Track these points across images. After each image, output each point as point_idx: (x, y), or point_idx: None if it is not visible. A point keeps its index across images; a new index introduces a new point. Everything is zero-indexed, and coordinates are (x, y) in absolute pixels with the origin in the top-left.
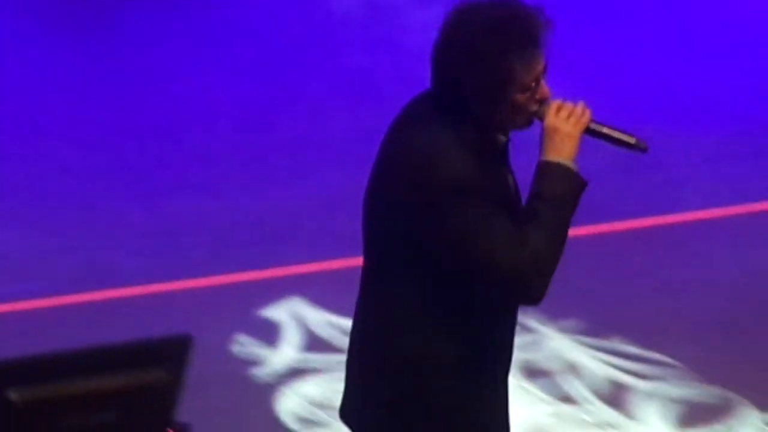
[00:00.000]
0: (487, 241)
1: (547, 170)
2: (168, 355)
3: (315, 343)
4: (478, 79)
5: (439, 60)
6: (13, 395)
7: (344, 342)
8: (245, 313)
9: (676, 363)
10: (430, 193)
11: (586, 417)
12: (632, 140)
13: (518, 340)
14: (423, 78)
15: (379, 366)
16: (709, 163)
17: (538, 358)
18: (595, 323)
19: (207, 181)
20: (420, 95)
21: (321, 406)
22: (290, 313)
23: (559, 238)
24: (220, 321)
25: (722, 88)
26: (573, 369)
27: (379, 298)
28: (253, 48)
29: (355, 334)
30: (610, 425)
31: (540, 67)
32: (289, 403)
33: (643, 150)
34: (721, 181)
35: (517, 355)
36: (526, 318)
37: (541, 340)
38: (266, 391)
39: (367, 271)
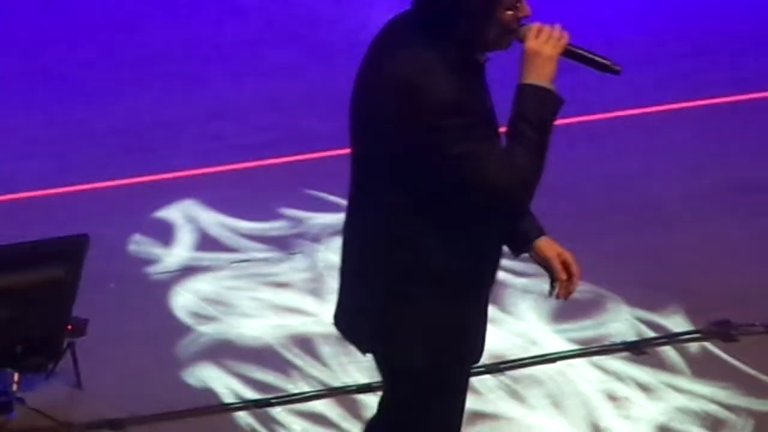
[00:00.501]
0: (479, 162)
1: (530, 93)
2: (65, 255)
3: (206, 242)
4: None
5: None
6: None
7: (234, 242)
8: (140, 214)
9: None
10: (420, 115)
11: None
12: (607, 62)
13: None
14: None
15: (375, 276)
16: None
17: None
18: None
19: (99, 90)
20: (401, 14)
21: (212, 301)
22: (183, 214)
23: (543, 156)
24: (117, 223)
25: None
26: None
27: (372, 213)
28: None
29: (349, 247)
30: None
31: None
32: (181, 300)
33: (617, 72)
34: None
35: None
36: None
37: None
38: (160, 287)
39: (359, 185)
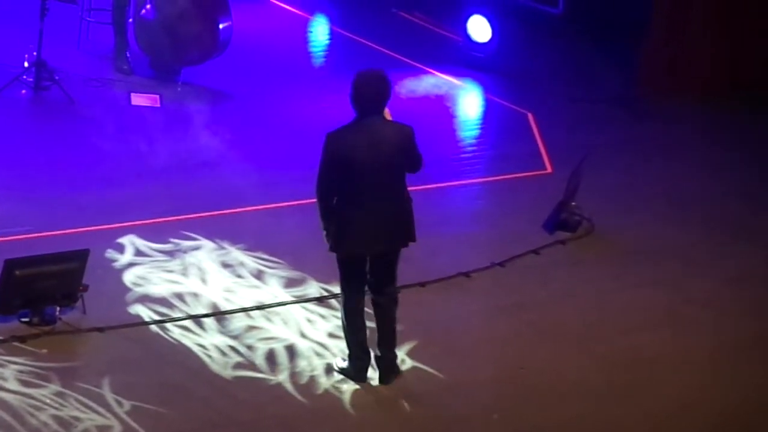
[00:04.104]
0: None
1: None
2: (78, 257)
3: (140, 252)
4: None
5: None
6: (18, 272)
7: (150, 252)
8: (109, 239)
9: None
10: (413, 140)
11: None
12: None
13: None
14: None
15: (402, 203)
16: None
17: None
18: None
19: None
20: (370, 118)
21: (140, 277)
22: (128, 241)
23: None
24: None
25: None
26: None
27: (393, 187)
28: None
29: (382, 205)
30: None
31: None
32: (127, 276)
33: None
34: None
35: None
36: None
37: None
38: (117, 272)
39: (383, 182)
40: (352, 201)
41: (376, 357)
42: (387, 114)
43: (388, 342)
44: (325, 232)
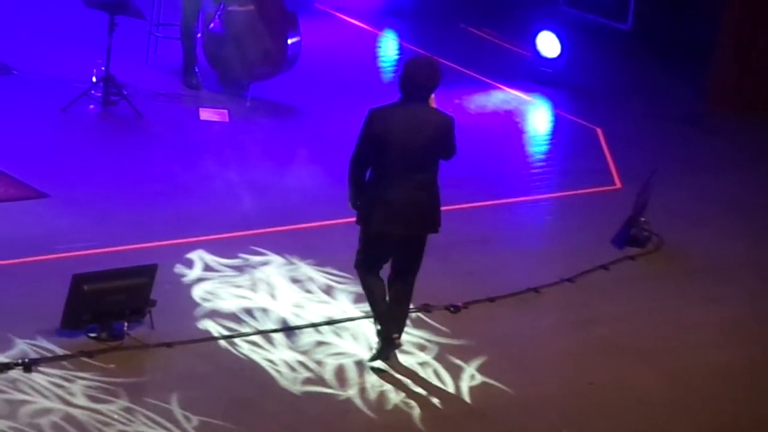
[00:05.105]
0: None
1: None
2: (147, 272)
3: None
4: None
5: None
6: (86, 287)
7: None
8: (178, 254)
9: None
10: (452, 130)
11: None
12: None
13: None
14: None
15: (431, 190)
16: None
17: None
18: None
19: None
20: (416, 103)
21: (208, 292)
22: (197, 256)
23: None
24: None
25: None
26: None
27: (425, 173)
28: None
29: (414, 190)
30: None
31: None
32: (197, 291)
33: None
34: None
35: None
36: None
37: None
38: (186, 287)
39: (415, 165)
40: (382, 179)
41: (378, 331)
42: (432, 101)
43: (397, 324)
44: (350, 203)
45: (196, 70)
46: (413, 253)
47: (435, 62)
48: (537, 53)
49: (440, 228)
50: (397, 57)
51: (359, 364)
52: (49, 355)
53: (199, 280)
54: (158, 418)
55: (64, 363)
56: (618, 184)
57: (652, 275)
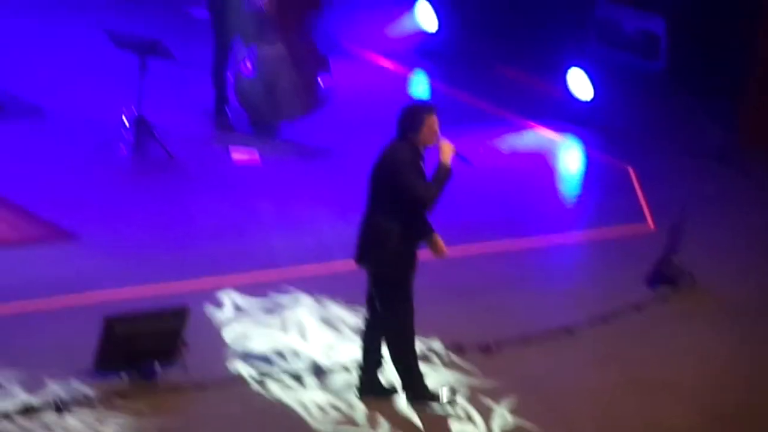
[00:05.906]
0: (416, 187)
1: (440, 166)
2: (179, 314)
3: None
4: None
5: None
6: (117, 328)
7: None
8: (208, 294)
9: None
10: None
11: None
12: (465, 159)
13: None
14: None
15: (376, 228)
16: None
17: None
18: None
19: None
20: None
21: (239, 334)
22: (227, 297)
23: (440, 190)
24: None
25: None
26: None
27: (377, 211)
28: None
29: (364, 221)
30: None
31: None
32: (229, 332)
33: (469, 163)
34: None
35: None
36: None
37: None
38: (215, 327)
39: (371, 199)
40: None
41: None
42: (442, 142)
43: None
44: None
45: (228, 111)
46: (372, 288)
47: (413, 105)
48: (568, 92)
49: (383, 269)
50: (427, 97)
51: (391, 406)
52: (81, 397)
53: (230, 320)
54: None
55: (97, 405)
56: (650, 223)
57: (686, 314)
